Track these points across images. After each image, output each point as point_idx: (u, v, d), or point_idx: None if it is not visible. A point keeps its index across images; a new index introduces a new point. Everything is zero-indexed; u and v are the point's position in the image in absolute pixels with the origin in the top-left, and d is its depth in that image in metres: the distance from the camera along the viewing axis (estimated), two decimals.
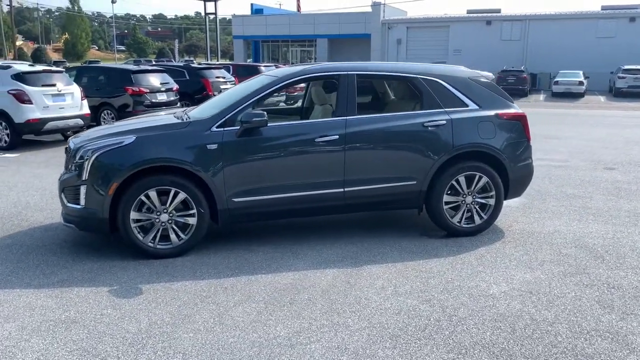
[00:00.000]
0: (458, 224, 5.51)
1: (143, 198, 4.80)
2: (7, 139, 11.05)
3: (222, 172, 4.88)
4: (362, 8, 48.09)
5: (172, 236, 4.93)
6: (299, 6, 61.38)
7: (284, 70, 5.54)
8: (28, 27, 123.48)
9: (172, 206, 4.88)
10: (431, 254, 5.07)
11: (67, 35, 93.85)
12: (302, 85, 7.15)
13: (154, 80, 13.94)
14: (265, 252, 5.09)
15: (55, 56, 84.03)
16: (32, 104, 10.96)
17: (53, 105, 11.31)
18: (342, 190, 5.19)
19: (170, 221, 4.91)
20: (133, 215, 4.81)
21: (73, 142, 5.21)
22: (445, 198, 5.43)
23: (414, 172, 5.32)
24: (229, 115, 4.99)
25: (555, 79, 30.42)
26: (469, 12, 41.51)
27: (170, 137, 4.87)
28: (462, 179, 5.42)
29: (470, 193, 5.47)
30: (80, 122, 11.85)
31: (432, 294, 4.15)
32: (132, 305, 3.98)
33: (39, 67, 11.94)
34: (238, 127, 4.91)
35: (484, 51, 37.05)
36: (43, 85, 11.27)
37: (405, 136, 5.29)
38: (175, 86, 14.49)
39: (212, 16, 53.81)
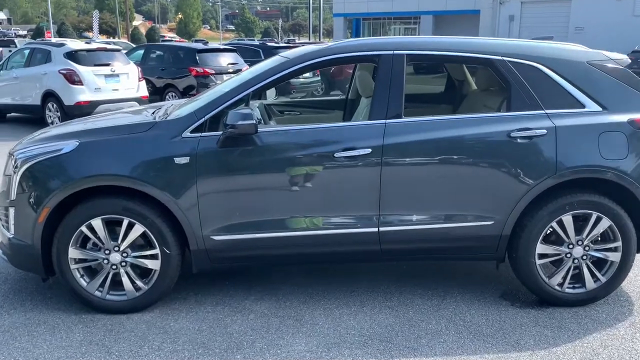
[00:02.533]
0: (558, 288, 3.58)
1: (85, 230, 3.38)
2: (58, 122, 10.29)
3: (197, 197, 3.33)
4: None
5: (127, 284, 3.48)
6: None
7: (299, 50, 3.83)
8: (148, 8, 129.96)
9: (126, 242, 3.42)
10: (512, 339, 3.22)
11: (180, 15, 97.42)
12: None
13: (222, 60, 12.71)
14: (259, 314, 3.49)
15: (169, 35, 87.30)
16: (82, 85, 10.10)
17: (106, 86, 10.40)
18: (375, 230, 3.45)
19: (123, 263, 3.45)
20: (72, 252, 3.41)
21: (18, 146, 3.88)
22: (540, 248, 3.51)
23: (490, 207, 3.46)
24: (209, 115, 3.40)
25: None
26: None
27: (122, 145, 3.38)
28: (568, 219, 3.47)
29: (580, 242, 3.51)
30: (136, 105, 10.85)
31: None
32: None
33: (93, 45, 11.08)
34: (220, 133, 3.32)
35: (612, 29, 32.41)
36: (96, 65, 10.38)
37: (480, 152, 3.42)
38: (245, 66, 13.16)
39: None
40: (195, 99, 3.91)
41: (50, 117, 10.40)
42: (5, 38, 38.58)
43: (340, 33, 46.22)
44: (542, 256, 3.55)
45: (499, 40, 3.72)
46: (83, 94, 10.10)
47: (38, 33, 55.13)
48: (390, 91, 3.44)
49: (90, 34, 58.41)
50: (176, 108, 3.81)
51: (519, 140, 3.40)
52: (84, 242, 3.44)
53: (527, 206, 3.46)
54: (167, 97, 12.43)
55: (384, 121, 3.41)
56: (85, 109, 10.13)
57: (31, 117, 11.07)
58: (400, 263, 4.18)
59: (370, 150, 3.34)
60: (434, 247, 3.56)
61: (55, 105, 10.25)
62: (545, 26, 35.22)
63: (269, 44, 16.43)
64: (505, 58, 3.54)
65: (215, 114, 3.39)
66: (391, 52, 3.49)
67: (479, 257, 3.70)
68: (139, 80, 11.00)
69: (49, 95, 10.29)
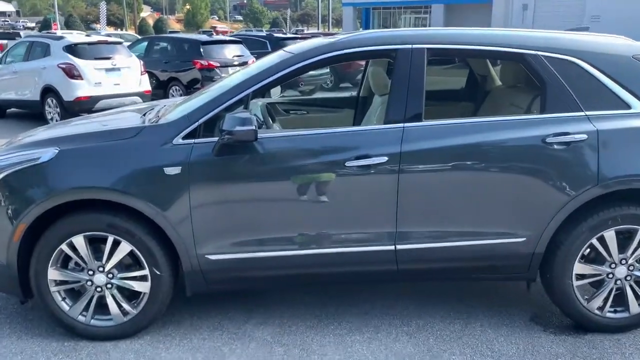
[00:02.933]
0: (598, 312, 3.17)
1: (66, 248, 3.01)
2: (58, 118, 9.94)
3: (190, 212, 2.95)
4: None
5: (113, 307, 3.11)
6: None
7: (305, 45, 3.41)
8: None
9: (111, 262, 3.05)
10: None
11: (188, 6, 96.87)
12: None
13: (227, 52, 12.28)
14: (261, 342, 3.11)
15: (177, 27, 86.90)
16: (82, 79, 9.72)
17: (106, 80, 10.02)
18: (391, 248, 3.05)
19: (109, 285, 3.08)
20: (52, 273, 3.05)
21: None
22: (578, 267, 3.11)
23: (522, 223, 3.06)
24: (203, 119, 3.01)
25: None
26: None
27: (106, 153, 2.99)
28: (610, 235, 3.06)
29: (624, 261, 3.10)
30: (138, 100, 10.45)
31: None
32: None
33: (94, 38, 10.69)
34: (216, 139, 2.93)
35: (629, 18, 31.57)
36: (96, 59, 9.99)
37: (511, 160, 3.01)
38: (251, 59, 12.75)
39: None
40: (190, 99, 3.51)
41: (50, 113, 10.05)
42: (12, 30, 38.40)
43: (349, 23, 45.58)
44: (580, 277, 3.14)
45: (531, 33, 3.29)
46: (83, 89, 9.73)
47: (45, 25, 54.94)
48: (409, 90, 3.02)
49: (97, 26, 58.19)
50: (169, 110, 3.42)
51: (555, 147, 2.98)
52: (65, 261, 3.08)
53: (564, 221, 3.05)
54: (170, 91, 12.05)
55: (401, 125, 3.00)
56: (86, 105, 9.79)
57: (31, 113, 10.73)
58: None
59: (386, 158, 2.94)
60: (458, 267, 3.16)
61: (54, 101, 9.89)
62: (559, 15, 34.41)
63: (276, 35, 15.93)
64: (539, 52, 3.11)
65: (211, 117, 3.00)
66: (410, 45, 3.07)
67: (508, 277, 3.30)
68: (142, 74, 10.62)
69: (48, 91, 9.92)
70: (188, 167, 2.92)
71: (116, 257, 3.04)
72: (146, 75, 10.79)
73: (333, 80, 15.38)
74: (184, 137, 2.97)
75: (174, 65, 12.01)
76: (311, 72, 12.65)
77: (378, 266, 3.12)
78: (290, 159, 2.96)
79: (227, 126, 2.81)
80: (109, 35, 21.19)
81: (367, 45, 3.15)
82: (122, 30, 58.49)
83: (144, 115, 3.52)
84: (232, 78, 3.37)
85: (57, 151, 3.00)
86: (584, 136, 2.98)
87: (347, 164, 2.94)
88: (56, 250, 3.01)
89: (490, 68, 4.34)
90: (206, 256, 3.02)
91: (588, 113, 3.03)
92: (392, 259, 3.08)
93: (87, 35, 11.21)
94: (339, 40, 3.22)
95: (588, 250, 3.11)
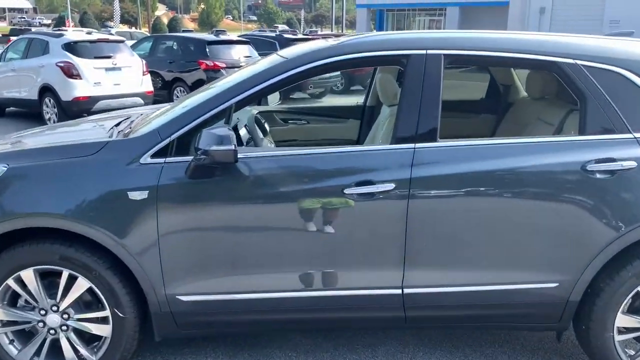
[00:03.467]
0: None
1: (13, 284, 2.56)
2: (55, 119, 9.56)
3: (158, 245, 2.48)
4: None
5: (69, 353, 2.65)
6: None
7: (302, 48, 2.92)
8: None
9: (66, 301, 2.59)
10: None
11: (203, 5, 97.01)
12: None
13: (234, 52, 11.83)
14: None
15: (191, 26, 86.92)
16: (80, 78, 9.32)
17: (106, 80, 9.61)
18: (397, 291, 2.56)
19: (64, 327, 2.62)
20: None
21: None
22: (621, 319, 2.60)
23: (555, 265, 2.55)
24: (176, 134, 2.53)
25: None
26: None
27: (61, 172, 2.53)
28: None
29: None
30: (139, 101, 10.06)
31: None
32: None
33: (94, 36, 10.29)
34: (190, 159, 2.45)
35: None
36: (96, 57, 9.59)
37: (542, 190, 2.51)
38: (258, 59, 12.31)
39: None
40: (168, 108, 3.04)
41: (48, 113, 9.67)
42: (26, 27, 38.33)
43: (363, 25, 45.05)
44: (623, 330, 2.63)
45: (568, 38, 2.77)
46: (81, 89, 9.33)
47: (60, 22, 55.07)
48: (422, 105, 2.53)
49: (112, 24, 58.28)
50: (145, 120, 2.95)
51: (597, 176, 2.48)
52: (13, 299, 2.63)
53: (605, 264, 2.54)
54: (175, 92, 11.63)
55: (412, 146, 2.50)
56: (84, 105, 9.40)
57: (30, 113, 10.37)
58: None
59: (393, 185, 2.45)
60: (476, 315, 2.66)
61: (52, 101, 9.50)
62: (578, 19, 33.63)
63: (286, 35, 15.45)
64: (578, 61, 2.60)
65: (185, 132, 2.53)
66: (424, 51, 2.58)
67: (535, 327, 2.80)
68: (144, 74, 10.20)
69: (46, 90, 9.54)
70: (156, 191, 2.45)
71: (72, 295, 2.58)
72: (148, 75, 10.38)
73: (343, 83, 14.89)
74: (153, 156, 2.50)
75: (179, 66, 11.59)
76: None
77: (382, 312, 2.63)
78: (278, 184, 2.48)
79: (203, 144, 2.34)
80: (114, 33, 20.85)
81: (374, 50, 2.65)
82: (135, 28, 58.46)
83: (117, 125, 3.06)
84: (213, 88, 2.89)
85: (5, 169, 2.55)
86: (633, 164, 2.47)
87: (346, 191, 2.45)
88: (1, 286, 2.56)
89: (515, 77, 3.85)
90: (177, 297, 2.55)
91: (637, 135, 2.52)
92: (398, 305, 2.59)
93: (88, 33, 10.79)
94: (341, 43, 2.73)
95: (634, 299, 2.59)
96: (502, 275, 2.56)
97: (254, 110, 3.88)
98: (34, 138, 3.19)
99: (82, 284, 2.55)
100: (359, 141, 4.02)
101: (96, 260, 2.52)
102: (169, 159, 2.49)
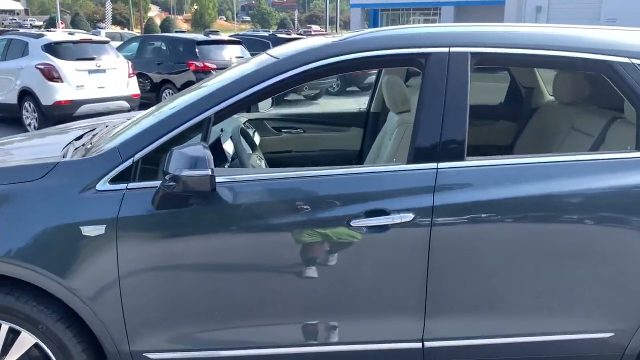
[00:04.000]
0: None
1: None
2: (36, 124, 9.03)
3: (120, 292, 1.99)
4: None
5: None
6: None
7: (296, 47, 2.42)
8: None
9: (8, 359, 2.10)
10: None
11: (196, 6, 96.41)
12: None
13: (225, 53, 11.34)
14: None
15: (184, 27, 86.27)
16: (62, 81, 8.79)
17: (90, 83, 9.08)
18: (417, 345, 2.08)
19: None
20: None
21: None
22: None
23: (608, 311, 2.09)
24: (140, 153, 2.04)
25: None
26: None
27: None
28: None
29: None
30: (125, 104, 9.55)
31: None
32: None
33: (76, 37, 9.76)
34: (158, 185, 1.96)
35: None
36: (78, 59, 9.06)
37: (594, 220, 2.04)
38: None
39: None
40: (139, 118, 2.54)
41: (28, 118, 9.14)
42: (11, 29, 37.61)
43: (357, 25, 44.61)
44: None
45: (621, 33, 2.30)
46: (63, 93, 8.79)
47: (51, 24, 54.37)
48: (445, 115, 2.05)
49: (103, 25, 57.70)
50: (110, 134, 2.45)
51: None
52: None
53: None
54: (163, 95, 11.13)
55: (434, 165, 2.03)
56: (66, 110, 8.88)
57: (10, 117, 9.83)
58: None
59: (411, 215, 1.97)
60: None
61: (32, 105, 8.97)
62: (574, 18, 33.24)
63: (280, 35, 14.95)
64: (634, 60, 2.12)
65: (151, 151, 2.04)
66: (446, 49, 2.10)
67: None
68: (130, 76, 9.68)
69: (26, 94, 9.00)
70: (116, 225, 1.96)
71: (15, 353, 2.09)
72: (134, 77, 9.86)
73: (339, 84, 14.41)
74: (113, 181, 2.01)
75: (167, 67, 11.09)
76: None
77: None
78: (268, 215, 2.00)
79: (172, 168, 1.85)
80: (103, 34, 20.30)
81: (384, 48, 2.16)
82: (128, 29, 57.91)
83: (78, 139, 2.57)
84: (190, 93, 2.40)
85: None
86: None
87: (353, 223, 1.98)
88: None
89: (539, 78, 3.38)
90: (145, 354, 2.07)
91: None
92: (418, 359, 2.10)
93: (70, 34, 10.27)
94: (346, 40, 2.25)
95: None
96: (545, 324, 2.10)
97: (242, 118, 3.40)
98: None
99: (26, 340, 2.07)
100: (362, 152, 3.55)
101: (43, 310, 2.03)
102: (132, 185, 2.01)
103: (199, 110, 2.04)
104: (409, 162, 2.06)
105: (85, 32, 24.32)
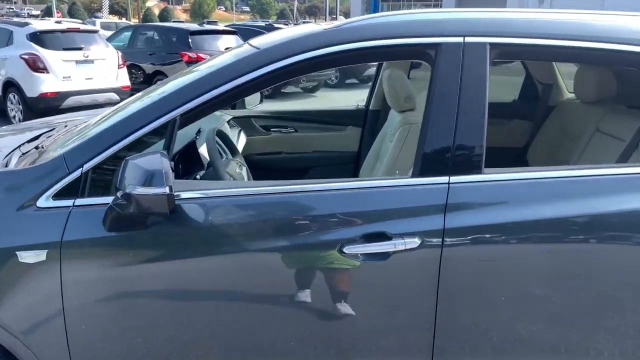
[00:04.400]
0: None
1: None
2: (21, 116, 8.65)
3: (65, 328, 1.65)
4: None
5: None
6: None
7: (283, 34, 2.06)
8: None
9: None
10: None
11: None
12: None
13: (220, 43, 10.92)
14: None
15: (183, 17, 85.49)
16: (47, 72, 8.40)
17: (77, 74, 8.69)
18: None
19: None
20: None
21: None
22: None
23: None
24: (90, 163, 1.69)
25: None
26: None
27: None
28: None
29: None
30: (114, 97, 9.15)
31: None
32: None
33: (63, 25, 9.36)
34: (110, 203, 1.60)
35: None
36: (65, 49, 8.67)
37: None
38: None
39: None
40: (98, 120, 2.17)
41: (13, 110, 8.76)
42: (13, 18, 37.07)
43: (357, 15, 44.09)
44: None
45: None
46: (48, 84, 8.40)
47: (48, 13, 53.75)
48: (459, 118, 1.70)
49: (101, 14, 57.12)
50: (66, 137, 2.09)
51: None
52: None
53: None
54: None
55: (445, 179, 1.68)
56: (52, 102, 8.50)
57: None
58: None
59: (417, 241, 1.62)
60: None
61: (17, 97, 8.59)
62: (577, 9, 32.79)
63: (277, 25, 14.53)
64: None
65: (103, 160, 1.68)
66: (460, 39, 1.74)
67: None
68: (119, 67, 9.28)
69: (10, 85, 8.62)
70: (60, 250, 1.61)
71: None
72: (125, 68, 9.47)
73: (338, 76, 14.01)
74: (57, 196, 1.66)
75: (160, 58, 10.69)
76: None
77: None
78: (242, 239, 1.65)
79: (124, 183, 1.50)
80: (93, 23, 19.85)
81: (385, 38, 1.79)
82: (125, 19, 57.33)
83: (30, 141, 2.22)
84: (155, 91, 2.04)
85: None
86: None
87: (347, 249, 1.63)
88: None
89: (558, 73, 3.03)
90: None
91: None
92: None
93: (57, 22, 9.86)
94: (340, 27, 1.88)
95: None
96: None
97: (226, 115, 3.05)
98: None
99: None
100: (360, 154, 3.20)
101: None
102: (80, 201, 1.66)
103: (161, 111, 1.69)
104: (414, 175, 1.71)
105: (80, 21, 23.86)
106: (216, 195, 1.68)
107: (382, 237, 1.63)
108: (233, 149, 2.46)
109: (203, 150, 2.27)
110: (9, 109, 8.84)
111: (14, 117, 8.77)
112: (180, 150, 2.22)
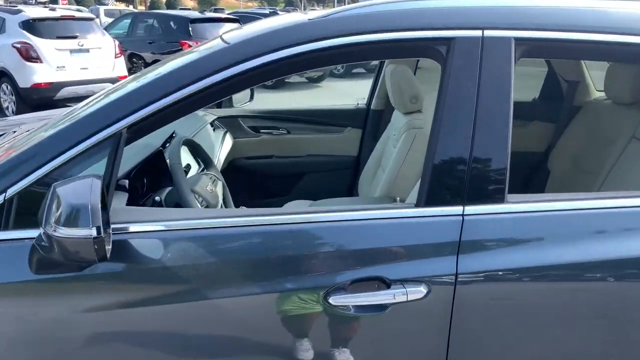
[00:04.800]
0: None
1: None
2: (14, 108, 8.37)
3: None
4: None
5: None
6: None
7: (261, 25, 1.71)
8: None
9: None
10: None
11: None
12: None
13: (221, 32, 10.53)
14: None
15: (190, 4, 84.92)
16: (40, 62, 8.09)
17: (71, 64, 8.37)
18: None
19: None
20: None
21: None
22: None
23: None
24: (16, 187, 1.35)
25: None
26: None
27: None
28: None
29: None
30: (110, 87, 8.84)
31: None
32: None
33: (57, 13, 9.02)
34: (35, 242, 1.26)
35: None
36: (59, 37, 8.34)
37: None
38: None
39: None
40: (46, 126, 1.83)
41: (5, 101, 8.47)
42: (16, 6, 36.77)
43: None
44: None
45: None
46: (42, 74, 8.09)
47: (54, 0, 53.52)
48: (477, 131, 1.35)
49: (107, 1, 56.79)
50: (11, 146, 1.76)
51: None
52: None
53: None
54: None
55: (459, 210, 1.33)
56: (45, 92, 8.21)
57: None
58: None
59: (424, 290, 1.28)
60: None
61: (9, 87, 8.29)
62: None
63: (281, 13, 14.15)
64: None
65: (32, 183, 1.35)
66: (478, 32, 1.39)
67: None
68: (116, 57, 8.96)
69: (2, 75, 8.32)
70: None
71: None
72: (122, 57, 9.15)
73: (344, 65, 13.61)
74: None
75: (159, 46, 10.37)
76: None
77: None
78: (202, 286, 1.31)
79: (45, 220, 1.16)
80: (96, 11, 19.52)
81: (384, 31, 1.43)
82: (133, 7, 56.96)
83: None
84: (103, 95, 1.70)
85: None
86: None
87: (333, 299, 1.29)
88: None
89: (585, 70, 2.67)
90: None
91: None
92: None
93: (51, 10, 9.53)
94: (328, 18, 1.52)
95: None
96: None
97: (210, 115, 2.71)
98: None
99: None
100: (360, 160, 2.86)
101: None
102: (3, 235, 1.32)
103: (101, 123, 1.34)
104: (419, 204, 1.36)
105: (85, 9, 23.54)
106: (171, 228, 1.34)
107: (378, 282, 1.29)
108: (207, 160, 2.12)
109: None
110: (1, 99, 8.56)
111: (7, 108, 8.49)
112: (145, 160, 1.89)
